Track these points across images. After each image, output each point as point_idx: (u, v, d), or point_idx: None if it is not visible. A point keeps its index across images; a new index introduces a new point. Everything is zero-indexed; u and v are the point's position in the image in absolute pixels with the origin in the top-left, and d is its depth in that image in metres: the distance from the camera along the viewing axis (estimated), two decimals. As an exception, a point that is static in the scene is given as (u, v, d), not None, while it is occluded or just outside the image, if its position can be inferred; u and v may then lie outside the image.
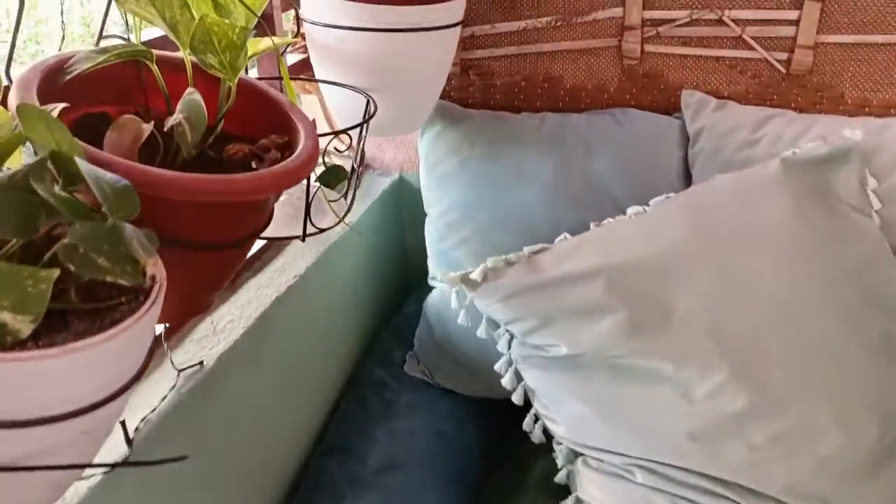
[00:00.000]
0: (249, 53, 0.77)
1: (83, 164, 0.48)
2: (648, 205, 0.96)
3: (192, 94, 0.64)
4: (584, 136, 1.08)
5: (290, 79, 1.03)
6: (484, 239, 1.06)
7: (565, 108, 1.17)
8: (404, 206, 1.33)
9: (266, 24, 0.95)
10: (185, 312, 0.74)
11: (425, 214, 1.15)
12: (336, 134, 0.83)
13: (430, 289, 1.17)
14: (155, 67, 0.67)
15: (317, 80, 1.00)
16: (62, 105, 0.56)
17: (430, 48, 0.96)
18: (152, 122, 0.64)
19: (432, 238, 1.13)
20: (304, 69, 1.10)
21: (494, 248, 1.04)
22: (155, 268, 0.50)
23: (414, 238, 1.25)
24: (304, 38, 1.01)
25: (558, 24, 1.11)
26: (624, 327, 0.86)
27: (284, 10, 1.00)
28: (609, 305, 0.87)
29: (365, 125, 0.87)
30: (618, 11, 1.09)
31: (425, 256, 1.17)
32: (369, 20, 0.90)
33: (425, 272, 1.19)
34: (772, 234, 0.89)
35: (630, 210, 0.96)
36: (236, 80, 0.67)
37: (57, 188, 0.50)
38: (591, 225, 0.96)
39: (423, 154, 1.14)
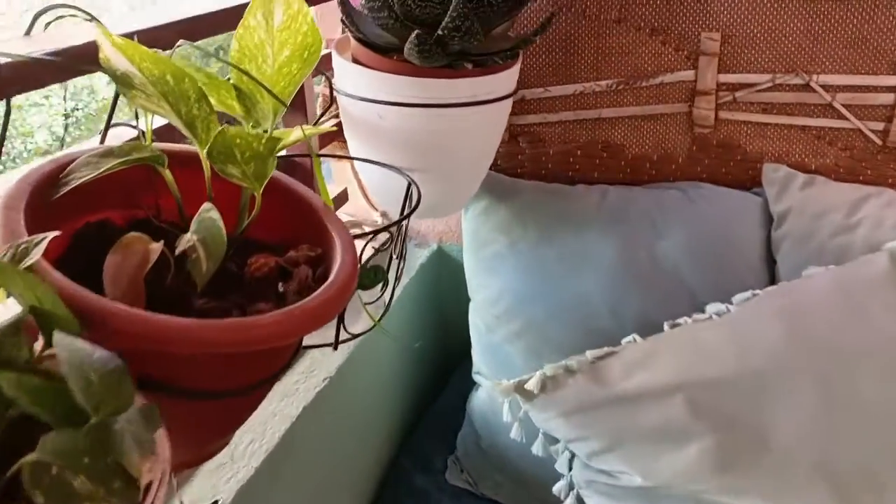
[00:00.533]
0: (279, 146, 0.66)
1: (62, 343, 0.37)
2: (731, 302, 0.84)
3: (208, 212, 0.54)
4: (650, 213, 0.97)
5: (320, 155, 0.93)
6: (538, 334, 0.94)
7: (627, 181, 1.05)
8: (443, 282, 1.22)
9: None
10: (188, 463, 0.63)
11: (467, 293, 1.04)
12: (374, 234, 0.72)
13: (472, 381, 1.05)
14: (167, 173, 0.57)
15: (351, 158, 0.90)
16: (52, 234, 0.46)
17: (481, 123, 0.85)
18: (162, 242, 0.54)
19: (478, 329, 1.01)
20: (336, 135, 1.00)
21: (550, 345, 0.92)
22: (151, 472, 0.39)
23: (454, 315, 1.14)
24: (336, 106, 0.91)
25: (620, 87, 1.00)
26: (712, 457, 0.74)
27: (314, 74, 0.91)
28: (693, 430, 0.75)
29: (406, 217, 0.77)
30: (689, 75, 0.98)
31: (465, 335, 1.05)
32: (415, 95, 0.80)
33: (464, 352, 1.08)
34: (884, 345, 0.76)
35: (710, 308, 0.84)
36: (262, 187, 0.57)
37: (38, 349, 0.40)
38: (665, 326, 0.84)
39: (467, 232, 1.03)
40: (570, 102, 1.03)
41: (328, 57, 0.87)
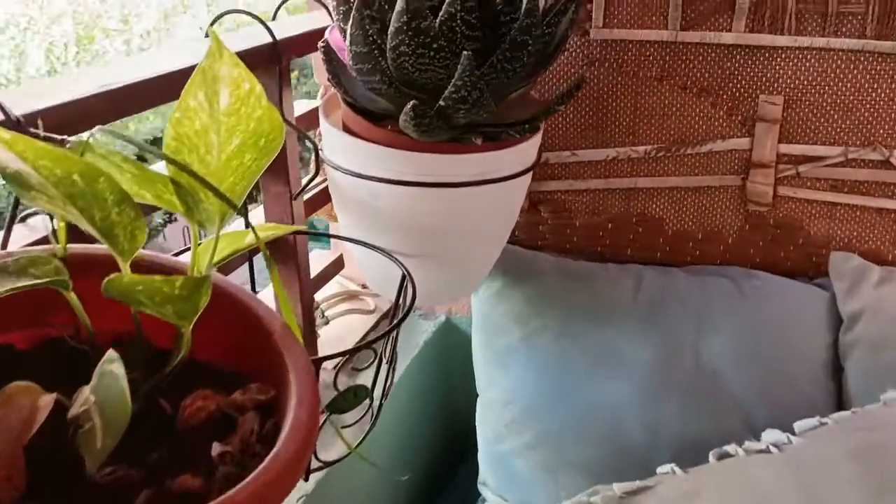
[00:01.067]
0: (226, 253, 0.54)
1: None
2: (793, 430, 0.70)
3: (110, 364, 0.41)
4: (694, 305, 0.83)
5: (304, 232, 0.80)
6: (554, 447, 0.80)
7: (665, 261, 0.91)
8: (452, 360, 1.08)
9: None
10: None
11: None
12: (353, 352, 0.59)
13: (477, 491, 0.91)
14: (72, 296, 0.44)
15: (338, 238, 0.77)
16: None
17: (494, 203, 0.72)
18: (54, 395, 0.42)
19: (486, 435, 0.88)
20: (325, 198, 0.87)
21: (567, 462, 0.78)
22: None
23: (463, 399, 1.00)
24: (324, 174, 0.79)
25: (660, 154, 0.86)
26: None
27: (299, 137, 0.78)
28: None
29: (399, 324, 0.64)
30: (743, 143, 0.84)
31: (472, 419, 0.91)
32: (413, 172, 0.67)
33: (473, 443, 0.94)
34: None
35: (767, 437, 0.70)
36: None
37: None
38: (711, 456, 0.70)
39: (477, 315, 0.90)
40: (601, 169, 0.89)
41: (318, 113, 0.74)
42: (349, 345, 0.98)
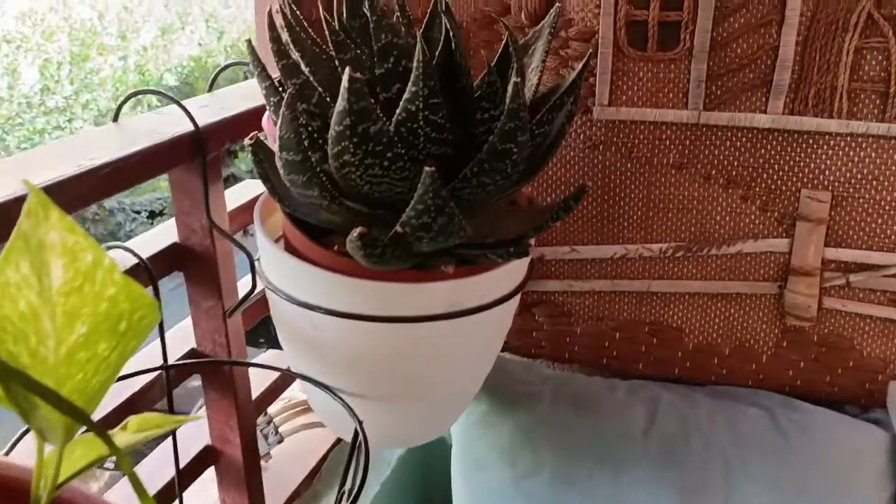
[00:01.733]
0: (81, 465, 0.39)
1: None
2: None
3: None
4: (720, 442, 0.68)
5: (236, 363, 0.66)
6: None
7: (684, 377, 0.77)
8: (433, 477, 0.93)
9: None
10: None
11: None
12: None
13: None
14: None
15: (276, 370, 0.63)
16: None
17: (471, 335, 0.58)
18: None
19: None
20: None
21: None
22: None
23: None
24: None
25: (679, 254, 0.72)
26: None
27: (233, 242, 0.64)
28: None
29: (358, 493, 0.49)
30: (780, 245, 0.70)
31: None
32: (366, 304, 0.53)
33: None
34: None
35: None
36: None
37: None
38: None
39: (457, 447, 0.75)
40: (607, 268, 0.75)
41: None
42: (308, 467, 0.84)
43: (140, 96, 0.55)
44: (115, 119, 0.59)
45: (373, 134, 0.45)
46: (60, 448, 0.33)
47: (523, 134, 0.47)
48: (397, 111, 0.47)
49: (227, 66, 0.70)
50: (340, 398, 0.57)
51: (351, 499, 0.49)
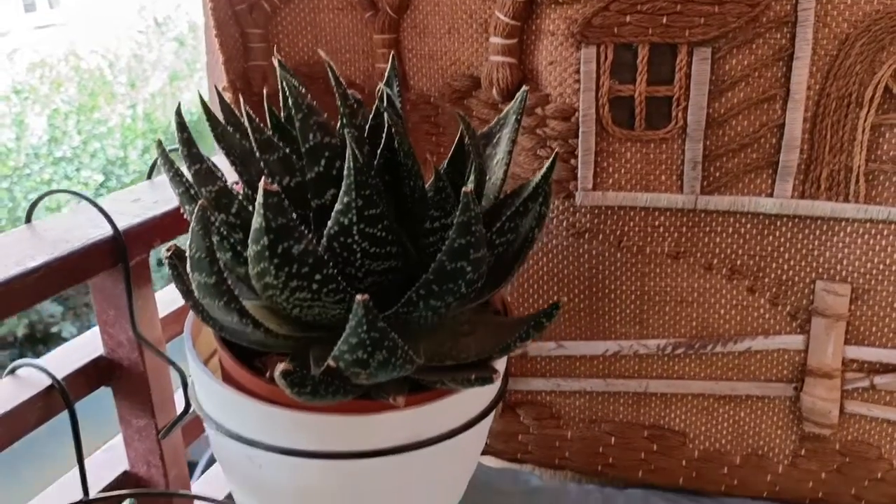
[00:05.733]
0: None
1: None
2: None
3: None
4: (731, 574, 0.59)
5: (172, 495, 0.58)
6: None
7: (690, 487, 0.68)
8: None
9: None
10: None
11: None
12: None
13: None
14: None
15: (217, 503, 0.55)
16: None
17: (432, 468, 0.50)
18: None
19: None
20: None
21: None
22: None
23: None
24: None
25: (678, 351, 0.64)
26: None
27: (163, 358, 0.57)
28: None
29: None
30: (794, 342, 0.62)
31: None
32: (305, 438, 0.45)
33: None
34: None
35: None
36: None
37: None
38: None
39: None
40: (598, 366, 0.67)
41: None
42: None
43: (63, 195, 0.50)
44: (28, 220, 0.53)
45: (297, 254, 0.39)
46: None
47: (477, 250, 0.40)
48: (328, 224, 0.40)
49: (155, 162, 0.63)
50: (281, 543, 0.49)
51: None
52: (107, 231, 0.51)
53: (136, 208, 0.55)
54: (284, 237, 0.38)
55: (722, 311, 0.63)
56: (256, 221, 0.38)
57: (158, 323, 0.56)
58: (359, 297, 0.37)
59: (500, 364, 0.50)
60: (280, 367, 0.39)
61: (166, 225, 0.55)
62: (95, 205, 0.51)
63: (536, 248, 0.64)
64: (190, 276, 0.41)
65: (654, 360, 0.66)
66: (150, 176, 0.63)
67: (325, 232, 0.41)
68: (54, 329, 3.95)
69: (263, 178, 0.37)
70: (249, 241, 0.39)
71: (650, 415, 0.68)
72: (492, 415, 0.53)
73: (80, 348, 0.56)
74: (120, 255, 0.51)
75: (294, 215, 0.38)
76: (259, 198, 0.37)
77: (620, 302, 0.64)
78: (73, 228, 0.51)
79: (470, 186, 0.38)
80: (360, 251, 0.41)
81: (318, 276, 0.40)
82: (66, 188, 0.58)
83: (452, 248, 0.39)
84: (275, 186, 0.37)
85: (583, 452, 0.71)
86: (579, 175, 0.60)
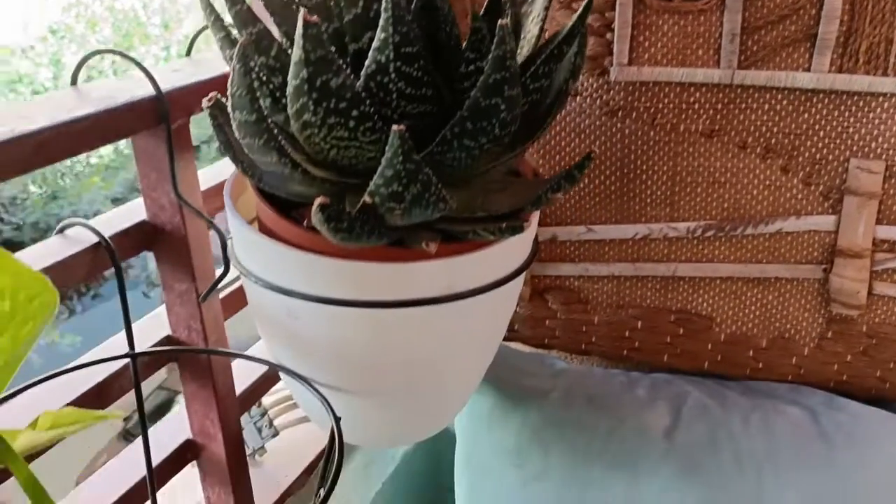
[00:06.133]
0: None
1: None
2: None
3: None
4: (754, 450, 0.61)
5: (196, 351, 0.61)
6: None
7: (715, 371, 0.70)
8: (445, 470, 0.88)
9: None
10: None
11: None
12: None
13: None
14: None
15: (258, 361, 0.57)
16: None
17: (462, 323, 0.51)
18: None
19: None
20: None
21: None
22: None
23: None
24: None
25: (709, 234, 0.65)
26: None
27: (205, 220, 0.58)
28: None
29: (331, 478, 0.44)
30: (826, 222, 0.62)
31: None
32: (339, 286, 0.47)
33: None
34: None
35: None
36: None
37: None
38: None
39: (461, 446, 0.69)
40: (627, 250, 0.68)
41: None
42: (303, 464, 0.79)
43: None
44: (73, 82, 0.54)
45: (335, 88, 0.39)
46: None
47: (512, 87, 0.40)
48: (366, 63, 0.41)
49: (204, 29, 0.64)
50: (317, 391, 0.51)
51: (321, 500, 0.44)
52: (150, 91, 0.52)
53: (177, 77, 0.56)
54: (323, 70, 0.39)
55: (754, 192, 0.63)
56: (296, 55, 0.39)
57: (199, 187, 0.58)
58: (395, 127, 0.38)
59: (533, 220, 0.51)
60: (317, 201, 0.40)
61: (207, 91, 0.56)
62: (139, 65, 0.52)
63: (569, 129, 0.65)
64: (231, 115, 0.43)
65: (683, 243, 0.66)
66: (188, 54, 0.64)
67: (362, 73, 0.41)
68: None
69: (303, 9, 0.38)
70: (289, 77, 0.40)
71: (677, 299, 0.69)
72: (519, 281, 0.54)
73: (125, 213, 0.58)
74: (162, 116, 0.53)
75: (333, 48, 0.39)
76: (298, 29, 0.38)
77: (652, 183, 0.65)
78: (117, 90, 0.53)
79: (506, 20, 0.38)
80: (397, 91, 0.41)
81: (355, 113, 0.40)
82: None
83: (487, 84, 0.39)
84: (314, 17, 0.37)
85: (609, 337, 0.72)
86: (615, 50, 0.60)
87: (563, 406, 0.66)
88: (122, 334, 0.58)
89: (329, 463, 0.51)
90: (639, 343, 0.71)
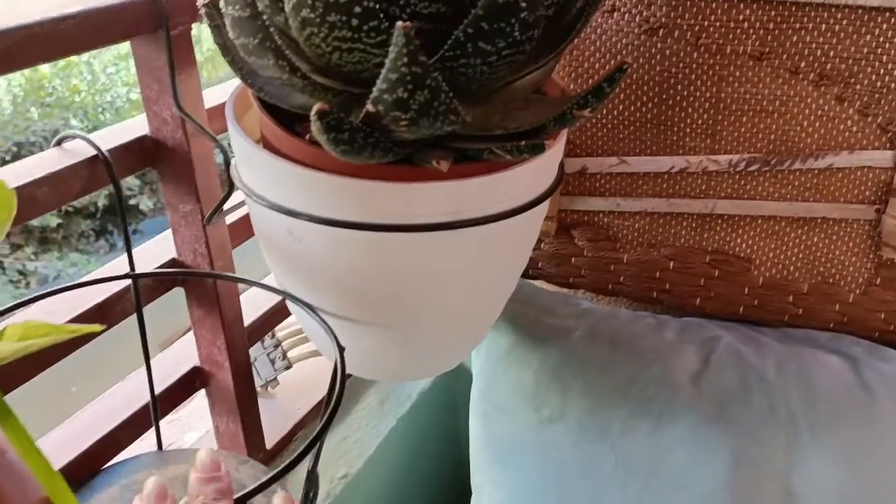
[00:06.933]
0: None
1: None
2: None
3: None
4: (788, 400, 0.57)
5: (193, 274, 0.58)
6: None
7: (751, 317, 0.65)
8: (461, 411, 0.86)
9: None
10: None
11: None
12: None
13: None
14: None
15: (258, 286, 0.55)
16: None
17: (477, 253, 0.48)
18: None
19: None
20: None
21: None
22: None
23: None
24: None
25: (752, 168, 0.60)
26: None
27: (206, 135, 0.55)
28: None
29: (320, 438, 0.42)
30: (882, 158, 0.56)
31: None
32: (342, 207, 0.44)
33: None
34: None
35: None
36: None
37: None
38: None
39: (477, 385, 0.67)
40: (662, 184, 0.63)
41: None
42: (316, 397, 0.77)
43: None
44: (68, -17, 0.51)
45: (335, -19, 0.35)
46: None
47: (534, -17, 0.35)
48: (371, -48, 0.37)
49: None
50: (321, 319, 0.48)
51: (317, 432, 0.42)
52: (148, -9, 0.48)
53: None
54: (322, -42, 0.35)
55: (805, 123, 0.58)
56: (292, -60, 0.35)
57: (203, 103, 0.54)
58: (399, 24, 0.34)
59: (557, 142, 0.47)
60: (316, 107, 0.37)
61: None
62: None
63: (604, 49, 0.60)
64: (224, 13, 0.39)
65: (723, 177, 0.61)
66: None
67: (367, -35, 0.37)
68: (133, 201, 4.10)
69: None
70: (286, -33, 0.36)
71: (714, 239, 0.64)
72: (540, 212, 0.50)
73: (127, 129, 0.55)
74: (161, 20, 0.49)
75: (332, -67, 0.34)
76: None
77: (692, 111, 0.60)
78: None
79: None
80: (405, -14, 0.37)
81: (357, 10, 0.36)
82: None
83: (506, -22, 0.35)
84: None
85: (638, 277, 0.68)
86: (656, -41, 0.55)
87: (585, 347, 0.62)
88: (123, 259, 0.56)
89: (331, 393, 0.48)
90: (670, 285, 0.67)
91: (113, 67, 4.57)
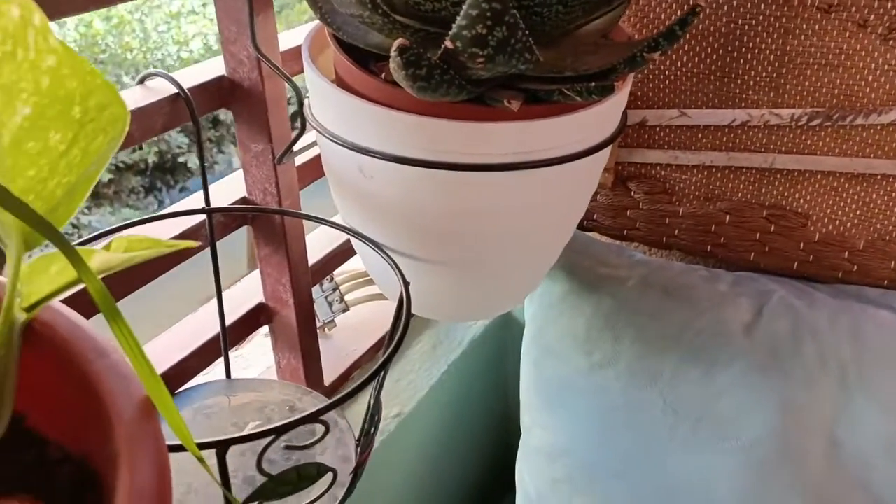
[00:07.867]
0: (48, 290, 0.35)
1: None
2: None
3: None
4: (838, 353, 0.58)
5: (274, 211, 0.61)
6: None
7: (805, 273, 0.66)
8: (509, 359, 0.88)
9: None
10: None
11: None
12: (277, 435, 0.39)
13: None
14: None
15: (326, 223, 0.57)
16: None
17: (542, 195, 0.49)
18: None
19: (525, 491, 0.67)
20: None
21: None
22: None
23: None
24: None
25: (814, 122, 0.60)
26: None
27: (281, 75, 0.57)
28: None
29: (385, 367, 0.44)
30: (949, 114, 0.56)
31: None
32: (415, 145, 0.46)
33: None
34: None
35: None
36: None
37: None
38: None
39: (529, 330, 0.68)
40: (722, 138, 0.64)
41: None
42: (372, 340, 0.80)
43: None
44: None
45: (420, -83, 0.37)
46: (16, 258, 0.29)
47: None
48: None
49: None
50: (387, 254, 0.50)
51: (382, 362, 0.44)
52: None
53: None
54: None
55: (870, 78, 0.57)
56: None
57: (278, 45, 0.56)
58: (482, -40, 0.35)
59: (625, 85, 0.48)
60: (397, 42, 0.38)
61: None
62: None
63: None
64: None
65: (785, 132, 0.62)
66: None
67: None
68: (181, 159, 4.18)
69: None
70: None
71: (772, 193, 0.65)
72: (603, 156, 0.51)
73: (206, 69, 0.58)
74: (241, -38, 0.51)
75: None
76: None
77: (757, 63, 0.60)
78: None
79: None
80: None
81: (440, -53, 0.38)
82: None
83: (587, -83, 0.36)
84: None
85: (694, 231, 0.69)
86: None
87: (638, 295, 0.63)
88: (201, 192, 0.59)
89: (395, 328, 0.51)
90: (725, 239, 0.68)
91: (164, 26, 4.64)
